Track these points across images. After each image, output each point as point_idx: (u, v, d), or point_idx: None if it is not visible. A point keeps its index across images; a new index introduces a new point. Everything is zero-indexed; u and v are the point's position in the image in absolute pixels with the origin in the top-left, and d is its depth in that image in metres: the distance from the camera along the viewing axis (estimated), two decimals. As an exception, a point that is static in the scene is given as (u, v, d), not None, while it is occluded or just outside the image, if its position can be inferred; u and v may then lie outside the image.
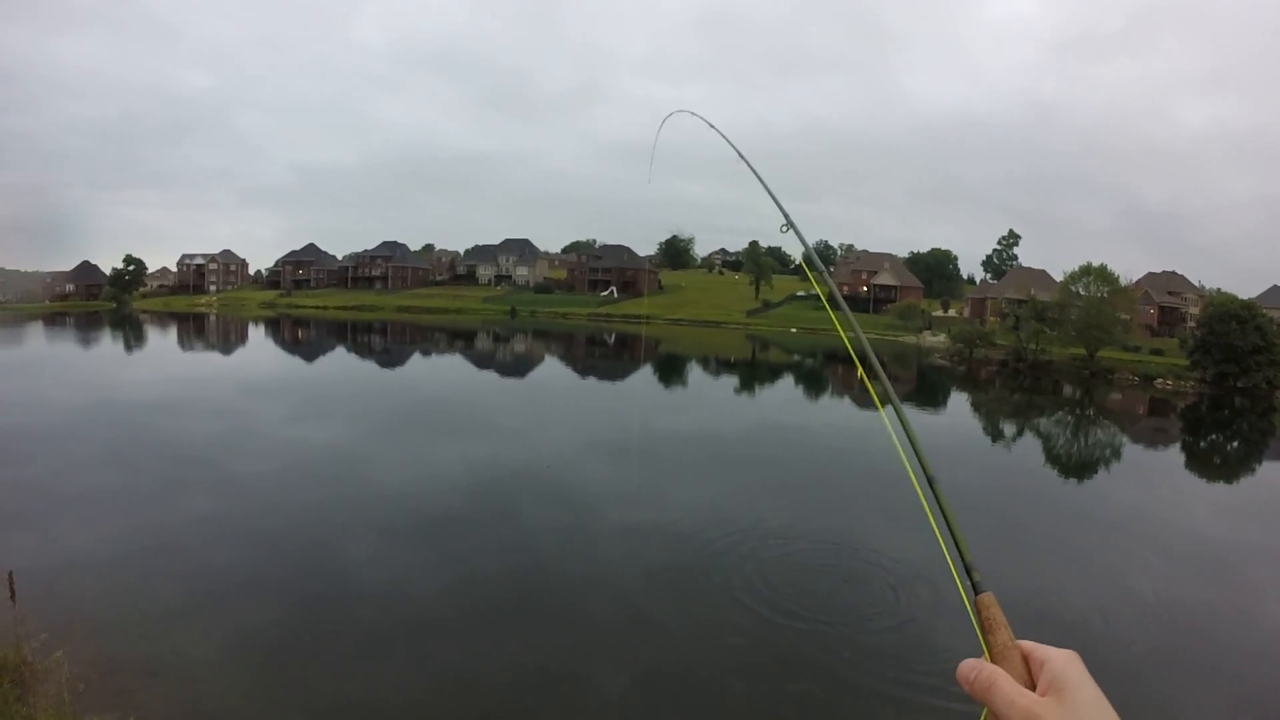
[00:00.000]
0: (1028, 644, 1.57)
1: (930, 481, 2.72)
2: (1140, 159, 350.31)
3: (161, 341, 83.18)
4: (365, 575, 15.88)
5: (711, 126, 4.91)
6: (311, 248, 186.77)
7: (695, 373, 65.21)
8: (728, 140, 4.46)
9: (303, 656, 12.44)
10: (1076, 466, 33.46)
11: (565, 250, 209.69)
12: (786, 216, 3.78)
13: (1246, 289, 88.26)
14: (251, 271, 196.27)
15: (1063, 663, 1.43)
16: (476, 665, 12.48)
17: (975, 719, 1.57)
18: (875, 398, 3.13)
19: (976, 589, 2.23)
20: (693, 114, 5.10)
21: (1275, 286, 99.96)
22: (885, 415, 2.99)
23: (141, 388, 41.82)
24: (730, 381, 59.86)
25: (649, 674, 12.63)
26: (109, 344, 78.85)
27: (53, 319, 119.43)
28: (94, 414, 32.87)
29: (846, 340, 3.34)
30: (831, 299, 3.78)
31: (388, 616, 14.02)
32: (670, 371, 65.22)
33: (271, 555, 16.67)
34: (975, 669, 1.51)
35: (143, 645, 12.03)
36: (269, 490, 21.44)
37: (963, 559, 2.39)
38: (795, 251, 3.97)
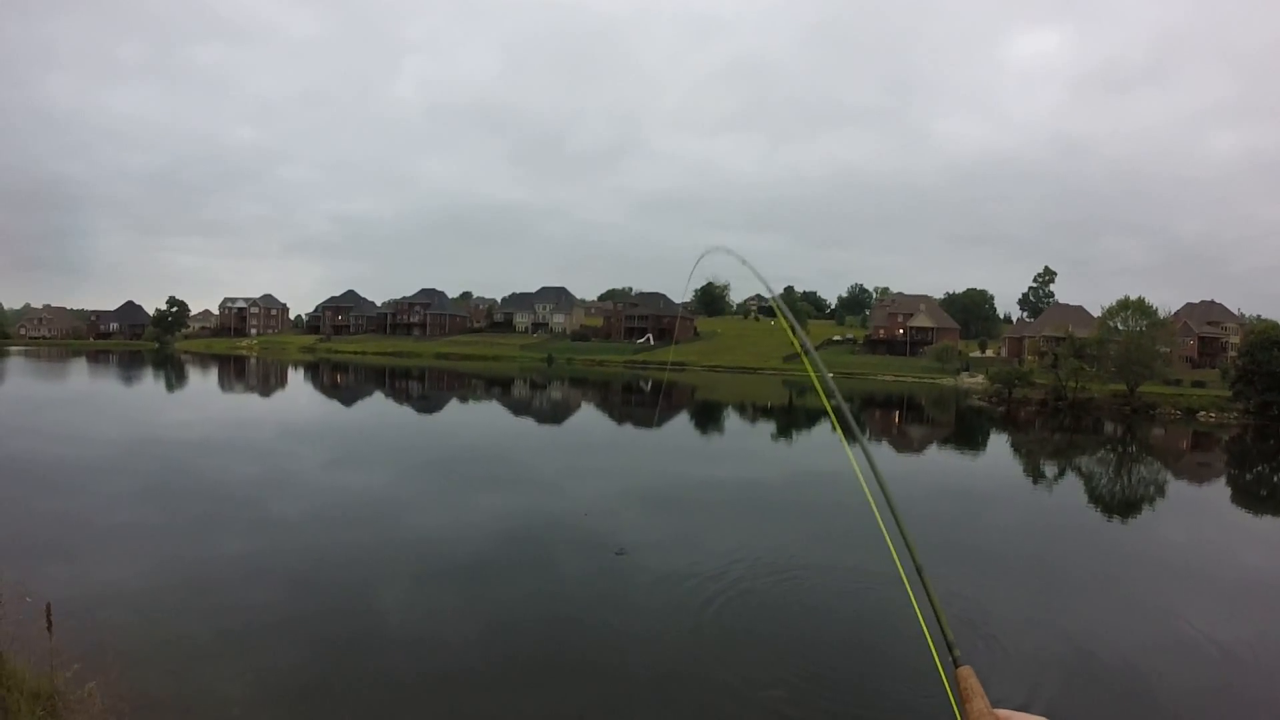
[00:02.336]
0: (1004, 712, 1.77)
1: (919, 571, 2.85)
2: (1172, 190, 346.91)
3: (203, 382, 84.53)
4: (398, 621, 15.80)
5: (744, 263, 5.48)
6: (351, 294, 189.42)
7: (732, 420, 64.99)
8: (758, 275, 5.03)
9: (333, 701, 12.30)
10: (1121, 506, 32.84)
11: (601, 298, 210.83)
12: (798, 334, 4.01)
13: None
14: (292, 316, 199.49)
15: None
16: (507, 715, 12.31)
17: None
18: (869, 493, 3.18)
19: (956, 663, 2.33)
20: (728, 251, 5.70)
21: None
22: (873, 500, 3.09)
23: (182, 427, 42.47)
24: (768, 428, 59.58)
25: None
26: (151, 382, 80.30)
27: (96, 356, 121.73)
28: (135, 450, 33.35)
29: (830, 408, 3.48)
30: (804, 347, 4.06)
31: (420, 664, 13.88)
32: (707, 419, 65.10)
33: (305, 597, 16.62)
34: None
35: (175, 681, 12.01)
36: (305, 532, 21.49)
37: (944, 636, 2.50)
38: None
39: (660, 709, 12.98)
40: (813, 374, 3.60)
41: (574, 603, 17.02)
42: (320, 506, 24.61)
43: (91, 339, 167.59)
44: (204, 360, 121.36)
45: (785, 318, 4.31)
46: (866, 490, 3.23)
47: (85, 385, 74.72)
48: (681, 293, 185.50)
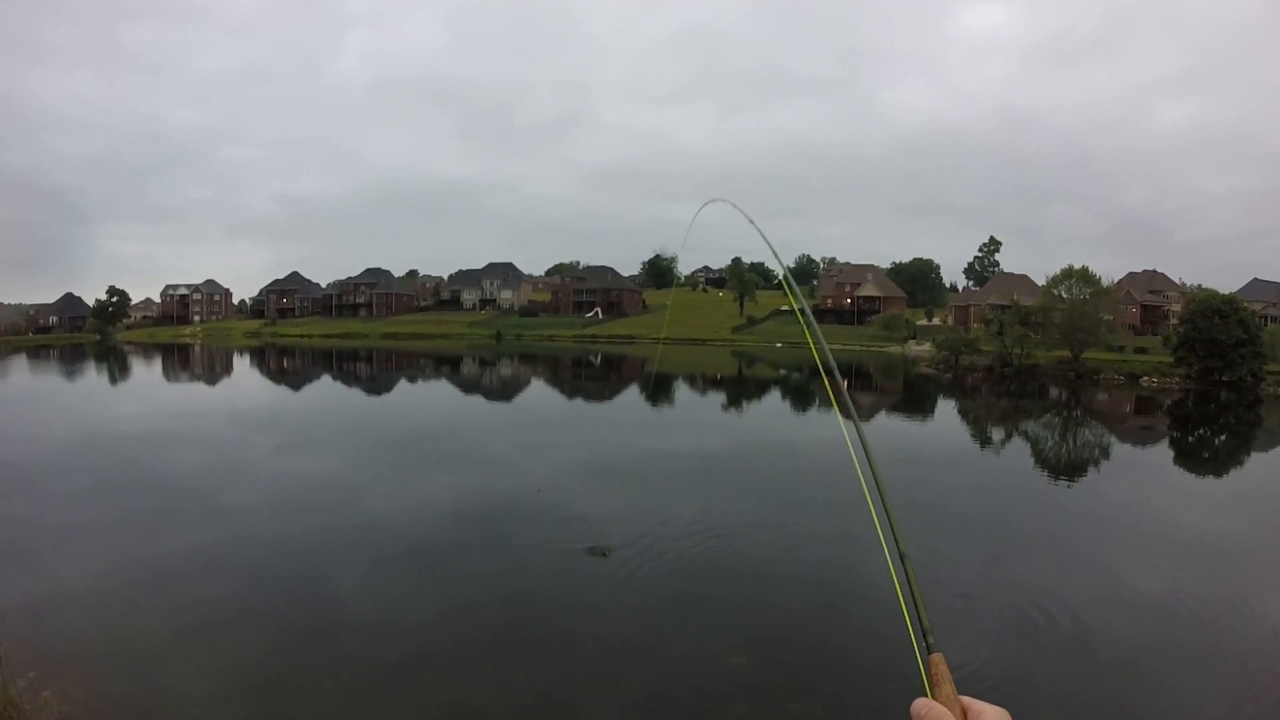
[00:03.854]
0: (967, 699, 1.89)
1: (902, 557, 2.87)
2: (1118, 162, 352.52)
3: (146, 373, 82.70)
4: (357, 606, 15.74)
5: (751, 222, 5.21)
6: (295, 276, 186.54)
7: (683, 391, 65.25)
8: (760, 232, 4.85)
9: (295, 691, 12.28)
10: (1067, 467, 33.57)
11: (549, 273, 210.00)
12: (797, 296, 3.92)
13: (1228, 284, 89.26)
14: (235, 301, 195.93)
15: (993, 717, 1.76)
16: (472, 696, 12.35)
17: None
18: (857, 464, 3.17)
19: (930, 649, 2.37)
20: (733, 205, 5.38)
21: (1256, 280, 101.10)
22: (866, 486, 3.06)
23: (127, 420, 41.53)
24: (719, 399, 59.91)
25: (650, 699, 12.53)
26: (93, 376, 78.44)
27: (36, 351, 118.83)
28: (79, 447, 32.57)
29: (831, 391, 3.43)
30: (804, 314, 3.97)
31: (380, 648, 13.85)
32: (657, 391, 65.32)
33: (262, 588, 16.48)
34: (926, 707, 1.88)
35: (133, 683, 11.86)
36: (258, 522, 21.23)
37: (921, 623, 2.54)
38: (778, 267, 4.08)
39: (623, 681, 13.12)
40: (815, 351, 3.58)
41: (531, 580, 17.08)
42: (273, 494, 24.37)
43: (30, 334, 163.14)
44: (147, 350, 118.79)
45: (790, 288, 4.23)
46: (859, 469, 3.24)
47: (25, 383, 72.60)
48: (629, 263, 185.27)
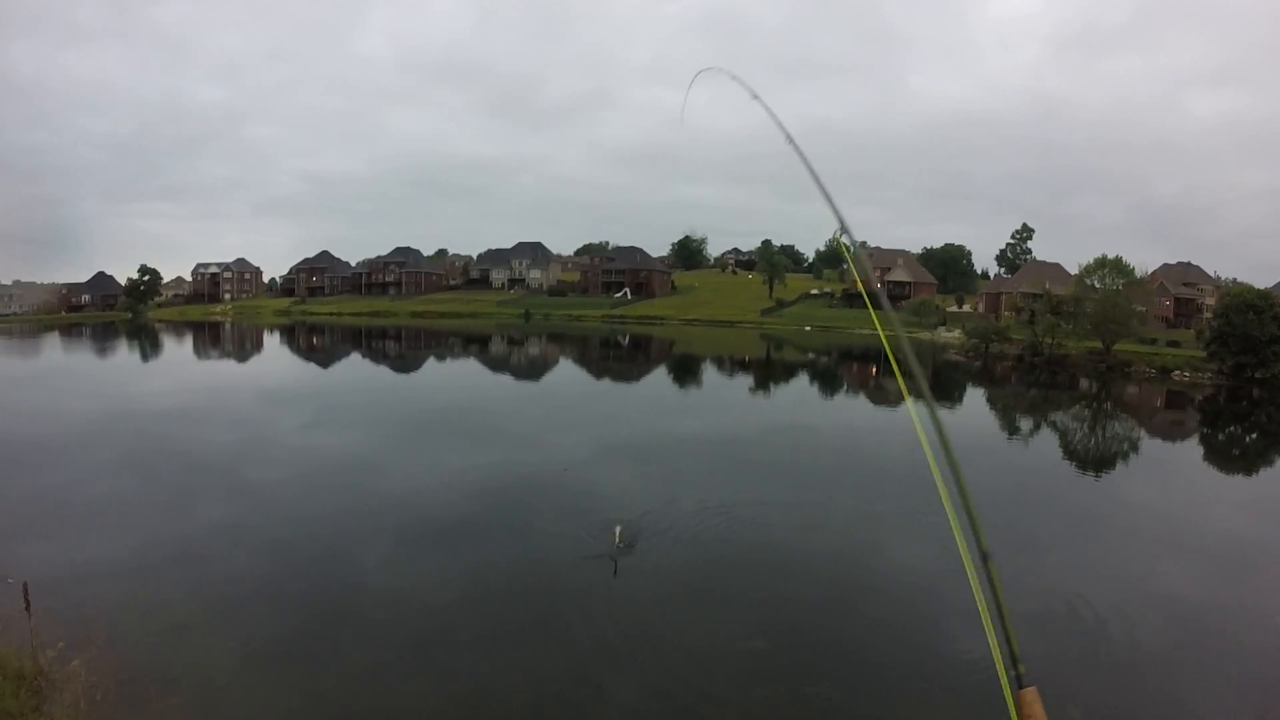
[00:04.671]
0: None
1: (985, 558, 2.54)
2: (1150, 153, 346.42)
3: (177, 351, 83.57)
4: (381, 584, 15.90)
5: (755, 97, 4.60)
6: (325, 255, 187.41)
7: (710, 374, 65.11)
8: (766, 108, 4.30)
9: (319, 667, 12.43)
10: (1095, 461, 33.20)
11: (578, 253, 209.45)
12: (826, 196, 3.68)
13: (1262, 279, 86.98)
14: (265, 280, 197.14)
15: None
16: (493, 675, 12.44)
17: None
18: (935, 471, 2.93)
19: (1020, 682, 2.10)
20: (732, 76, 4.63)
21: None
22: (941, 482, 2.85)
23: (158, 397, 41.98)
24: (746, 382, 59.72)
25: (668, 681, 12.54)
26: (125, 354, 79.28)
27: (69, 329, 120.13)
28: (110, 424, 33.03)
29: (890, 351, 3.22)
30: (874, 298, 3.62)
31: (403, 626, 14.02)
32: (685, 373, 65.20)
33: (287, 564, 16.70)
34: None
35: (159, 655, 12.04)
36: (285, 499, 21.48)
37: (1010, 648, 2.24)
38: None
39: (642, 662, 13.16)
40: (883, 335, 3.36)
41: (553, 561, 17.14)
42: (300, 471, 24.59)
43: (63, 312, 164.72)
44: (178, 328, 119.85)
45: (848, 249, 3.83)
46: (931, 461, 3.03)
47: (59, 360, 73.65)
48: (659, 244, 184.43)
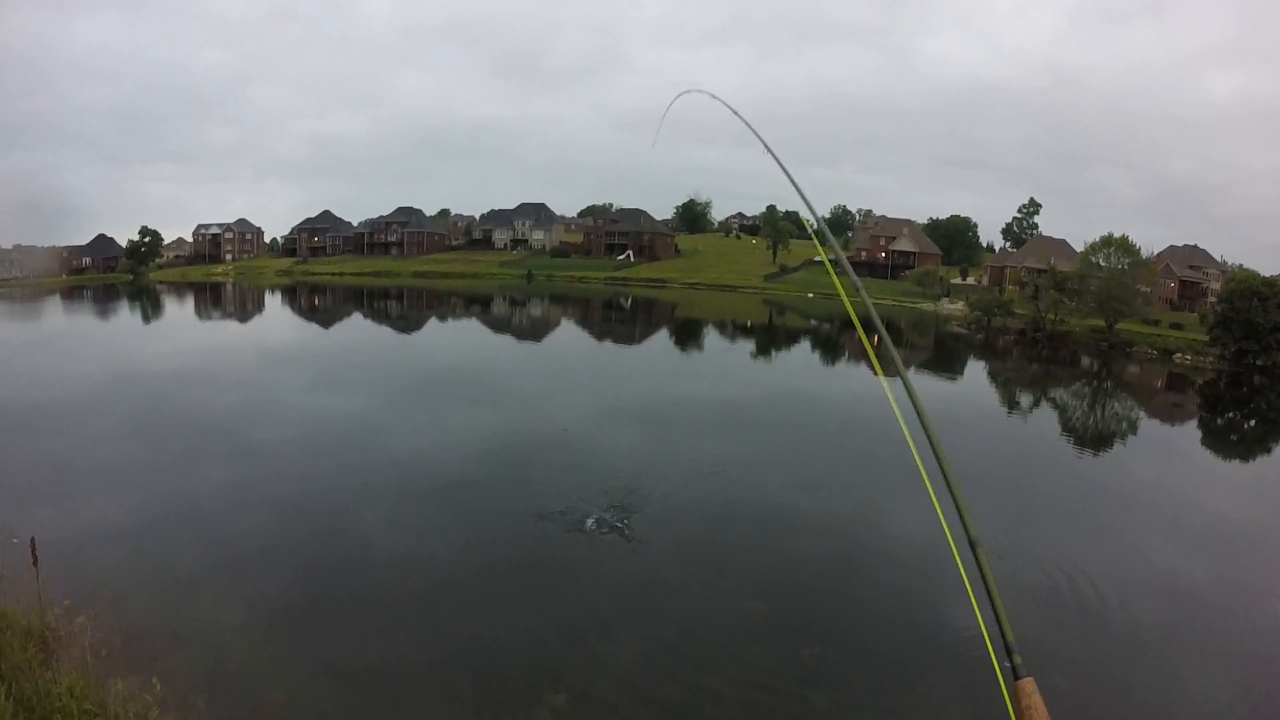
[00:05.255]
0: None
1: (972, 545, 2.51)
2: (1164, 129, 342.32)
3: (179, 312, 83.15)
4: (383, 541, 16.08)
5: (735, 113, 4.74)
6: (327, 215, 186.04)
7: (713, 338, 65.22)
8: (746, 123, 4.33)
9: (323, 621, 12.64)
10: (1093, 438, 33.27)
11: (581, 214, 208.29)
12: (802, 194, 3.71)
13: (1269, 264, 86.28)
14: (267, 240, 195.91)
15: None
16: (495, 628, 12.65)
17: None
18: (919, 462, 2.91)
19: (1016, 673, 2.06)
20: (713, 96, 4.79)
21: None
22: (924, 472, 2.83)
23: (161, 360, 41.78)
24: (748, 346, 59.81)
25: (667, 636, 12.81)
26: (127, 316, 78.95)
27: (70, 293, 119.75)
28: (114, 387, 32.90)
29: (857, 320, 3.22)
30: (838, 266, 3.61)
31: (406, 581, 14.21)
32: (687, 337, 65.27)
33: (291, 522, 16.85)
34: None
35: (165, 611, 12.21)
36: (288, 458, 21.60)
37: (1004, 638, 2.20)
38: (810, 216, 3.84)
39: (639, 615, 13.48)
40: (846, 301, 3.28)
41: (554, 520, 17.27)
42: (303, 432, 24.69)
43: (64, 276, 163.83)
44: (180, 289, 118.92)
45: (817, 224, 3.80)
46: (912, 445, 2.98)
47: (60, 324, 72.96)
48: (663, 207, 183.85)
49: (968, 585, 2.44)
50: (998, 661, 2.19)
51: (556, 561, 15.39)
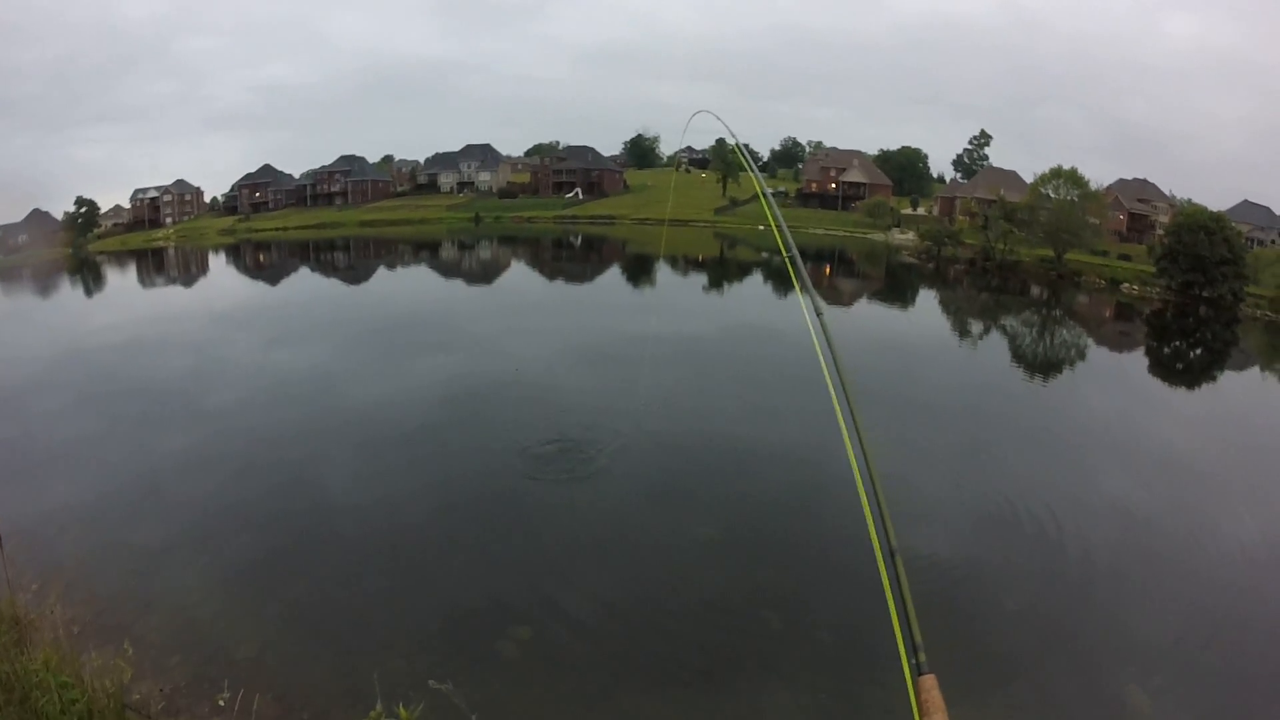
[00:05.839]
0: None
1: (892, 554, 2.67)
2: (1121, 70, 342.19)
3: (122, 281, 80.00)
4: (344, 491, 16.34)
5: (732, 136, 6.09)
6: (267, 168, 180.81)
7: (665, 273, 65.14)
8: (740, 146, 4.67)
9: (291, 575, 12.96)
10: (1044, 366, 34.01)
11: (528, 153, 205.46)
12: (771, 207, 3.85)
13: (1217, 202, 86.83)
14: (208, 199, 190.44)
15: None
16: (457, 569, 13.12)
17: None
18: (851, 456, 3.01)
19: (920, 669, 2.21)
20: (716, 116, 5.89)
21: (1246, 202, 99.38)
22: (860, 474, 2.94)
23: (108, 331, 39.95)
24: (700, 280, 59.98)
25: (628, 566, 13.41)
26: (68, 290, 76.39)
27: (7, 272, 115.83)
28: (61, 363, 31.61)
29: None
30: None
31: (370, 531, 14.51)
32: (639, 273, 65.27)
33: (251, 482, 16.95)
34: None
35: (134, 581, 12.37)
36: (246, 421, 21.49)
37: (913, 638, 2.35)
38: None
39: (600, 550, 13.99)
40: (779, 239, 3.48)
41: (514, 460, 17.63)
42: (258, 390, 24.61)
43: (1, 255, 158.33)
44: (121, 259, 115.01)
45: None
46: (851, 456, 3.10)
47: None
48: (612, 143, 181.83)
49: (886, 591, 2.53)
50: (906, 658, 2.29)
51: (514, 502, 15.79)
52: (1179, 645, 11.99)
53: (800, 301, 4.34)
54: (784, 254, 3.76)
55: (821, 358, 3.26)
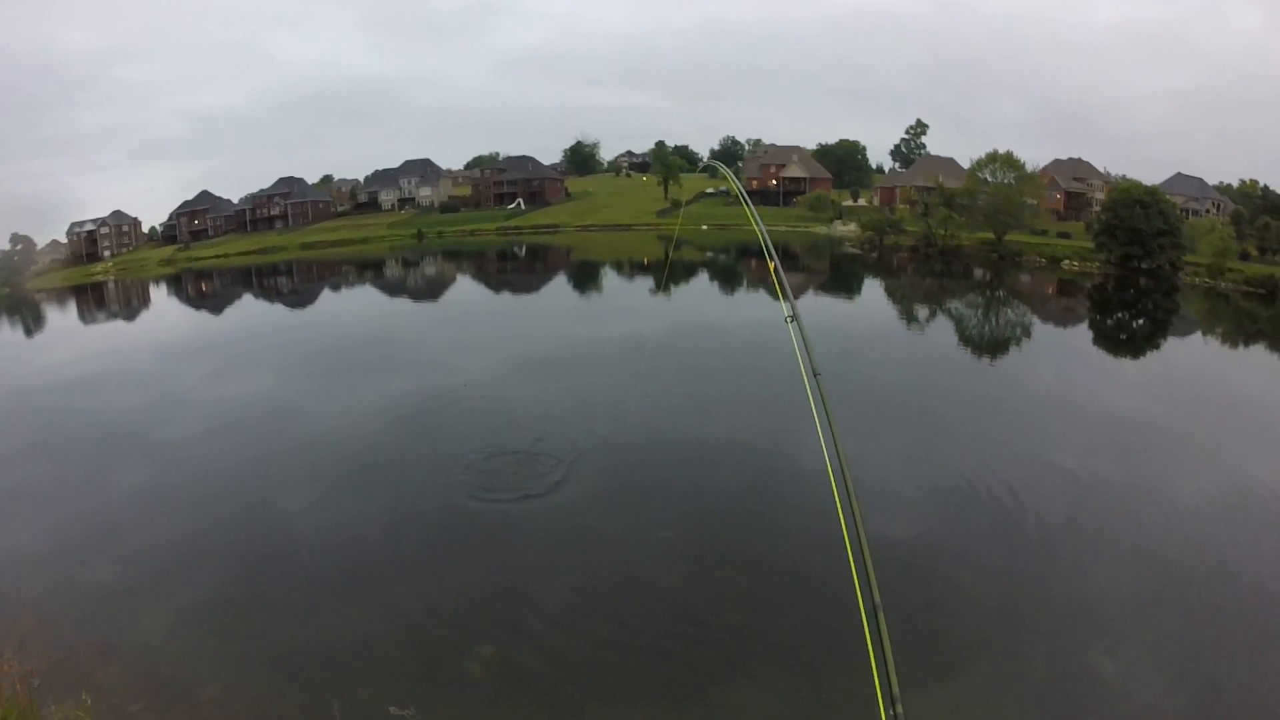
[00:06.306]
0: None
1: (875, 609, 2.70)
2: (1050, 51, 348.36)
3: (63, 319, 78.07)
4: (303, 523, 16.27)
5: (740, 193, 5.95)
6: (205, 194, 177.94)
7: (611, 279, 65.30)
8: (740, 191, 4.75)
9: (250, 609, 12.92)
10: (991, 345, 34.68)
11: (468, 166, 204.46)
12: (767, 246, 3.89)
13: (1151, 177, 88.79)
14: (146, 230, 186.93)
15: None
16: (419, 594, 13.15)
17: None
18: (835, 486, 2.99)
19: (899, 719, 2.21)
20: (727, 173, 6.26)
21: (1179, 174, 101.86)
22: (844, 517, 2.97)
23: (53, 371, 39.11)
24: (646, 284, 60.00)
25: (587, 577, 13.54)
26: (8, 331, 74.34)
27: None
28: (6, 406, 30.87)
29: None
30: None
31: (327, 558, 14.52)
32: (585, 279, 65.29)
33: (210, 519, 16.76)
34: None
35: (94, 628, 12.28)
36: (199, 454, 21.26)
37: (891, 689, 2.38)
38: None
39: (558, 559, 14.18)
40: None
41: (464, 477, 17.77)
42: (209, 425, 24.18)
43: None
44: (61, 295, 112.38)
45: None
46: (833, 482, 3.15)
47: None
48: (551, 151, 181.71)
49: (869, 648, 2.54)
50: (883, 707, 2.29)
51: (468, 519, 15.91)
52: (1139, 609, 12.45)
53: (782, 308, 4.38)
54: (769, 262, 3.82)
55: (803, 367, 3.26)
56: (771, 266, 3.62)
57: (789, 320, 4.00)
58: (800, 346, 3.19)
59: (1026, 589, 12.84)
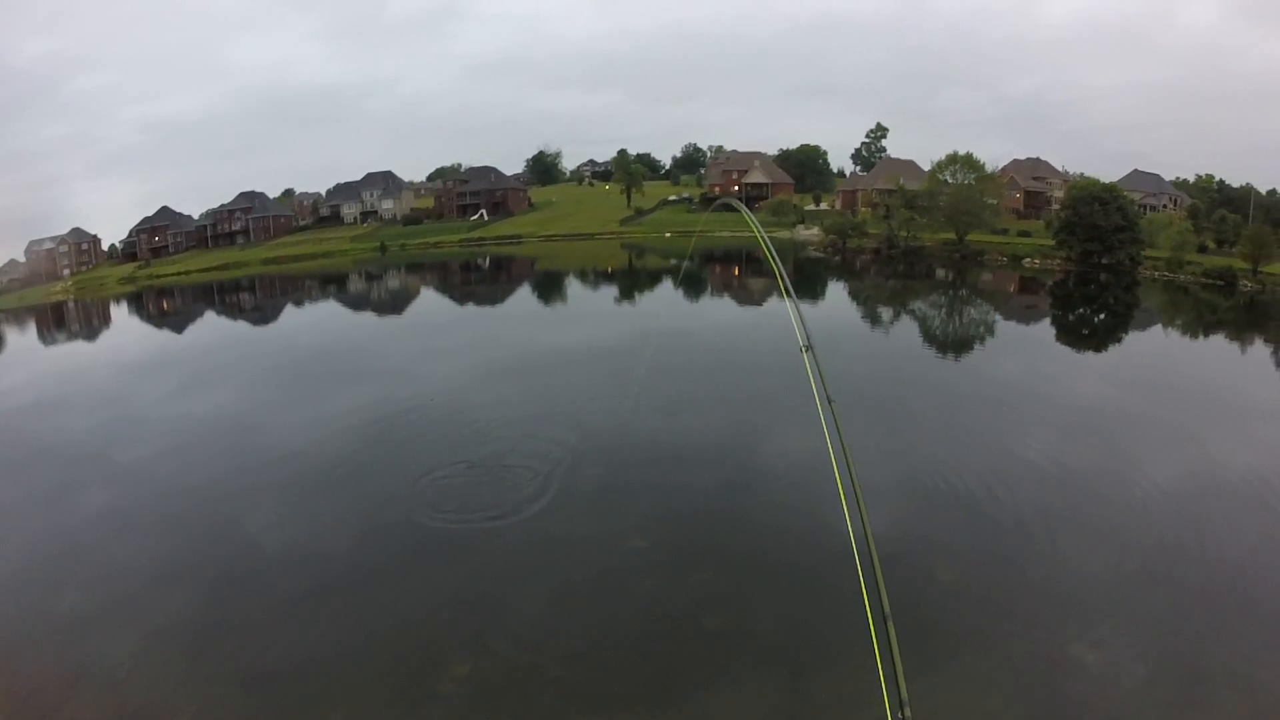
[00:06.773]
0: None
1: (885, 619, 2.73)
2: (1006, 50, 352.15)
3: (22, 340, 77.25)
4: (272, 541, 16.15)
5: (758, 230, 6.12)
6: (165, 210, 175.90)
7: (575, 287, 65.31)
8: (762, 236, 4.86)
9: (222, 635, 12.67)
10: (956, 344, 34.94)
11: (430, 177, 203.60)
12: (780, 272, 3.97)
13: (1109, 173, 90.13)
14: (105, 247, 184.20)
15: None
16: (391, 610, 13.04)
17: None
18: (844, 504, 3.04)
19: None
20: (742, 208, 5.14)
21: (1136, 171, 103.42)
22: (853, 529, 3.01)
23: (8, 394, 38.50)
24: (611, 291, 60.09)
25: (561, 586, 13.51)
26: None
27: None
28: None
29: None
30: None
31: (299, 578, 14.37)
32: (550, 289, 65.23)
33: (175, 539, 16.59)
34: None
35: (59, 659, 12.08)
36: (165, 475, 20.99)
37: (900, 694, 2.41)
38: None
39: (532, 570, 14.14)
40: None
41: (435, 486, 17.78)
42: (175, 443, 23.87)
43: None
44: (19, 316, 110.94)
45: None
46: (841, 491, 3.17)
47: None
48: (514, 160, 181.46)
49: (877, 654, 2.53)
50: (890, 712, 2.31)
51: (442, 534, 15.80)
52: (1115, 594, 12.65)
53: (798, 337, 4.35)
54: (778, 276, 4.02)
55: (817, 397, 3.28)
56: (790, 305, 3.70)
57: (804, 349, 4.08)
58: (815, 376, 3.21)
59: (1002, 584, 13.05)
